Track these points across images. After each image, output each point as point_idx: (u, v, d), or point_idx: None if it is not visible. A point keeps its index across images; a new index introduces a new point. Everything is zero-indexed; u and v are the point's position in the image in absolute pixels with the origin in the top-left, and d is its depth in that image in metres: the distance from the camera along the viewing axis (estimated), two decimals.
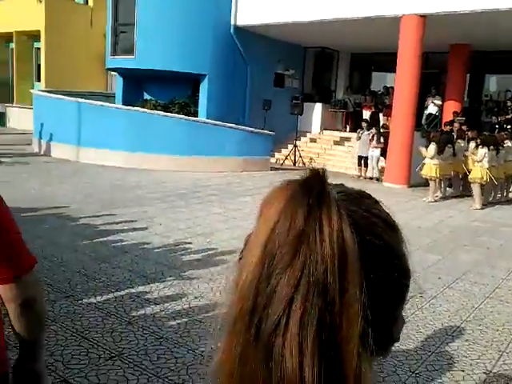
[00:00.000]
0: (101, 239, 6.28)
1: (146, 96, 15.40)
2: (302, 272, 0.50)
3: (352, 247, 0.51)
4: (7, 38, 21.62)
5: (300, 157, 14.86)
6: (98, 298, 4.49)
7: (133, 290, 4.71)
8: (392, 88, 14.56)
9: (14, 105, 21.42)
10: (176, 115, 13.32)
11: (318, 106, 17.21)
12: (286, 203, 0.53)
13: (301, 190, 0.53)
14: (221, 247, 6.23)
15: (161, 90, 14.92)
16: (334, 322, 0.49)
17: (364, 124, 13.57)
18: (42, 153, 14.03)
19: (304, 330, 0.49)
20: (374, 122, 14.64)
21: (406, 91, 11.95)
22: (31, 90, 16.63)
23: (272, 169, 13.74)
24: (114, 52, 14.94)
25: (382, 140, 12.90)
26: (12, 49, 21.81)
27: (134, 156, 12.59)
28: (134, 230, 6.79)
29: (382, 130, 13.37)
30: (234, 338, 0.53)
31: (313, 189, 0.53)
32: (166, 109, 13.97)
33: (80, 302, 4.40)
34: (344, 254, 0.50)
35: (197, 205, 8.66)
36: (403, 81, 12.03)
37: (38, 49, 20.90)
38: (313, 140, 16.70)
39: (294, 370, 0.48)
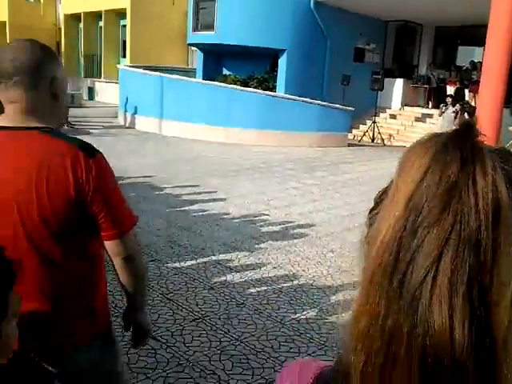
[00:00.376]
0: (183, 208, 6.54)
1: (226, 71, 15.59)
2: (453, 227, 0.48)
3: (507, 202, 0.48)
4: (97, 16, 22.62)
5: (379, 133, 14.52)
6: (182, 263, 4.71)
7: (214, 258, 4.90)
8: (480, 63, 13.77)
9: (102, 79, 22.44)
10: (254, 90, 13.42)
11: (399, 82, 16.67)
12: (434, 156, 0.51)
13: (452, 142, 0.52)
14: (298, 220, 6.30)
15: (240, 65, 15.04)
16: (484, 280, 0.47)
17: (448, 99, 13.01)
18: (127, 125, 14.65)
19: (454, 286, 0.47)
20: (458, 97, 13.99)
21: (496, 67, 11.21)
22: (117, 66, 17.33)
23: (349, 145, 13.56)
24: (195, 28, 15.20)
25: (466, 117, 12.32)
26: (101, 27, 22.79)
27: (214, 129, 12.86)
28: (214, 200, 7.00)
29: (466, 106, 12.76)
30: (372, 292, 0.52)
31: (465, 142, 0.51)
32: (244, 84, 14.09)
33: (165, 265, 4.63)
34: (498, 209, 0.48)
35: (274, 178, 8.75)
36: (493, 55, 11.30)
37: (124, 26, 21.69)
38: (393, 116, 16.24)
39: (443, 326, 0.47)
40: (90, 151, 1.52)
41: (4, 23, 25.71)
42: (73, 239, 1.55)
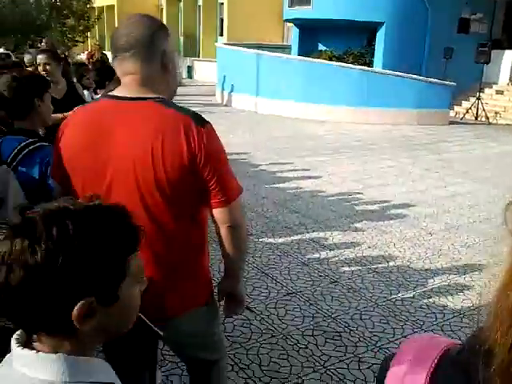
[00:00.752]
0: (278, 185, 6.61)
1: (321, 47, 15.35)
2: None
3: None
4: None
5: (483, 110, 13.61)
6: (276, 239, 4.79)
7: (308, 235, 4.92)
8: None
9: (200, 58, 23.02)
10: (350, 65, 13.10)
11: (509, 54, 15.44)
12: None
13: None
14: (394, 200, 6.13)
15: (336, 40, 14.73)
16: None
17: None
18: (224, 103, 14.95)
19: None
20: None
21: None
22: (215, 44, 17.67)
23: (451, 123, 12.87)
24: (291, 3, 15.06)
25: None
26: (199, 6, 23.30)
27: (310, 107, 12.77)
28: (309, 178, 7.00)
29: None
30: None
31: None
32: (340, 59, 13.81)
33: (260, 240, 4.74)
34: None
35: (370, 157, 8.56)
36: None
37: (222, 4, 21.99)
38: (499, 92, 15.13)
39: None
40: (202, 121, 1.58)
41: (113, 7, 27.19)
42: (184, 207, 1.62)
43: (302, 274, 4.07)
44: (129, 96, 1.58)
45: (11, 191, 1.94)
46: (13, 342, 0.84)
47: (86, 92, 5.02)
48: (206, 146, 1.55)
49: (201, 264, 1.77)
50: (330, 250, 4.58)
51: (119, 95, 1.61)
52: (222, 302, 1.94)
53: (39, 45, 12.59)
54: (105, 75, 5.06)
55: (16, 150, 2.15)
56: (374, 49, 14.30)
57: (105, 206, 0.87)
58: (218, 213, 1.63)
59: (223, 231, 1.66)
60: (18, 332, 0.85)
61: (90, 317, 0.81)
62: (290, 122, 12.04)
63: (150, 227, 1.58)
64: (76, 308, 0.79)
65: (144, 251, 1.57)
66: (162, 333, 1.78)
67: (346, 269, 4.21)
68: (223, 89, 15.15)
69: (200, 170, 1.55)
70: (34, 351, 0.81)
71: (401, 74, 12.54)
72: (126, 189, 1.56)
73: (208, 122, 1.61)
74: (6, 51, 11.34)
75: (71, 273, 0.77)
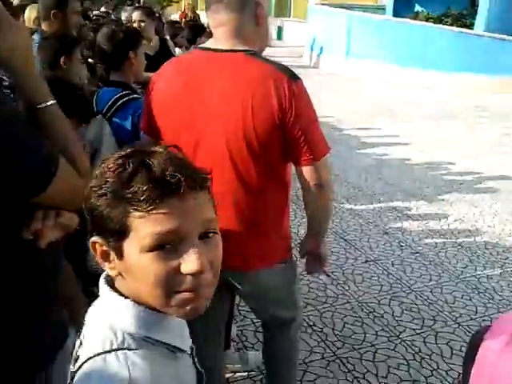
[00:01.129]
0: (364, 150, 6.46)
1: (418, 8, 14.51)
2: None
3: None
4: None
5: None
6: (358, 206, 4.71)
7: (391, 203, 4.79)
8: None
9: (291, 19, 22.61)
10: (450, 28, 12.30)
11: None
12: None
13: None
14: (487, 172, 5.79)
15: (434, 0, 13.84)
16: None
17: None
18: (312, 65, 14.64)
19: None
20: None
21: None
22: (307, 4, 17.24)
23: None
24: None
25: None
26: None
27: (403, 71, 12.17)
28: (397, 144, 6.76)
29: None
30: None
31: None
32: (438, 21, 12.99)
33: (340, 205, 4.68)
34: None
35: (464, 125, 8.08)
36: None
37: None
38: None
39: None
40: (293, 76, 1.55)
41: None
42: (270, 164, 1.61)
43: (381, 243, 3.99)
44: (220, 48, 1.58)
45: (106, 142, 2.02)
46: (101, 277, 0.88)
47: (178, 50, 5.10)
48: (297, 103, 1.51)
49: (282, 221, 1.77)
50: (414, 220, 4.44)
51: (211, 47, 1.60)
52: (302, 260, 1.95)
53: (137, 4, 12.97)
54: (197, 33, 5.12)
55: (111, 102, 2.23)
56: (476, 10, 13.27)
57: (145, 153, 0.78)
58: (305, 170, 1.60)
59: (310, 189, 1.64)
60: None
61: (107, 260, 0.81)
62: (381, 86, 11.58)
63: (237, 183, 1.59)
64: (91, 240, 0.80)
65: (231, 209, 1.61)
66: (240, 286, 1.82)
67: (429, 240, 4.07)
68: (312, 50, 14.82)
69: (289, 127, 1.53)
70: (113, 291, 0.84)
71: (504, 36, 11.58)
72: (214, 143, 1.57)
73: (299, 78, 1.57)
74: (106, 10, 11.78)
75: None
